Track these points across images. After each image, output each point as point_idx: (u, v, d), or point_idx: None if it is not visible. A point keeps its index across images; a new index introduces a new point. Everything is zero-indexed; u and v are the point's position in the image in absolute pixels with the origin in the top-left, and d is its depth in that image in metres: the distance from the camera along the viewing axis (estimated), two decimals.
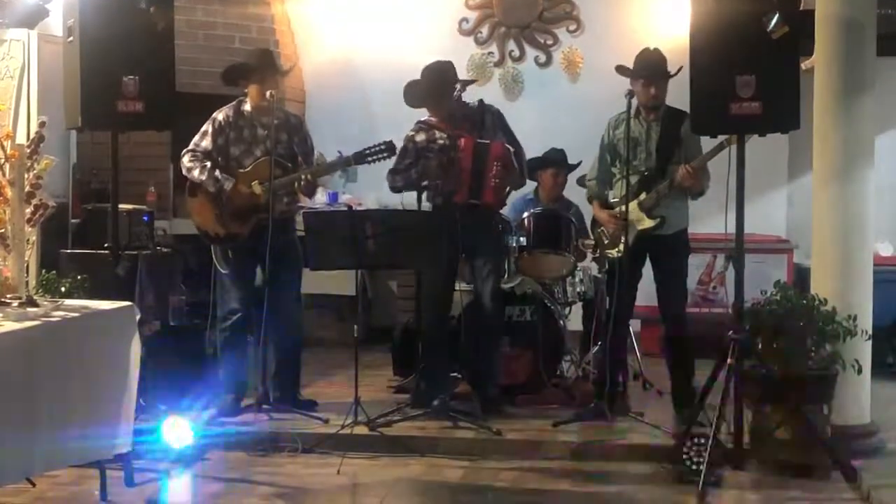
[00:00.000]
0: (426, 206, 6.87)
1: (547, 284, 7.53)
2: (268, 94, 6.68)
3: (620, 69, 6.81)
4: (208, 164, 6.77)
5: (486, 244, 6.93)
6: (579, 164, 7.75)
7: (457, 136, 6.76)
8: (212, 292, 6.89)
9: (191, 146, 6.86)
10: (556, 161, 7.87)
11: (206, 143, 6.83)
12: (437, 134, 6.89)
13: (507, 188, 6.99)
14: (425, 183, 6.82)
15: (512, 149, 6.84)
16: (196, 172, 6.77)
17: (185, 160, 6.83)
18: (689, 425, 5.89)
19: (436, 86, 6.85)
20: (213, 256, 6.85)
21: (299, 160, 6.84)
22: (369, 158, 6.76)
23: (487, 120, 6.94)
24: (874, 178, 6.40)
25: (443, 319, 6.95)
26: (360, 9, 10.02)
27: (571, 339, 7.57)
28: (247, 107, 6.86)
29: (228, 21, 9.48)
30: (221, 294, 6.87)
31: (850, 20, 6.26)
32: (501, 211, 7.26)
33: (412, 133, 6.99)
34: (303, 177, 6.68)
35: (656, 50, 6.85)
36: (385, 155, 6.74)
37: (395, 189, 7.03)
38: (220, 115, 6.87)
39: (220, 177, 6.74)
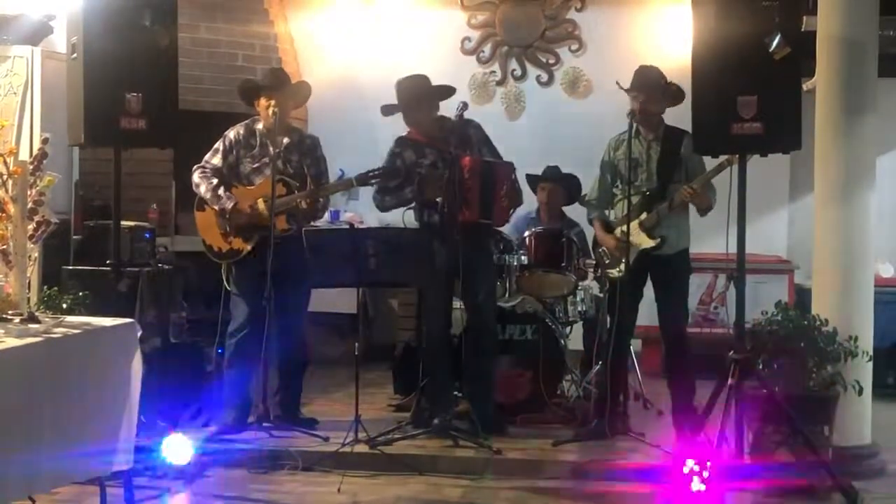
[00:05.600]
0: (414, 224, 6.87)
1: (548, 303, 7.53)
2: (271, 110, 6.72)
3: (619, 84, 6.84)
4: (214, 181, 6.81)
5: (482, 262, 6.90)
6: (574, 178, 7.78)
7: (456, 155, 6.73)
8: (221, 308, 6.89)
9: (202, 162, 6.92)
10: (550, 177, 7.87)
11: (217, 160, 6.89)
12: (427, 150, 6.88)
13: (513, 208, 6.98)
14: (414, 204, 6.83)
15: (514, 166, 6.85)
16: (202, 189, 6.83)
17: (195, 176, 6.88)
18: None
19: (407, 99, 6.87)
20: (223, 273, 6.87)
21: (308, 182, 6.83)
22: (372, 181, 6.77)
23: (471, 134, 6.92)
24: (875, 198, 6.42)
25: (443, 337, 6.93)
26: (363, 27, 10.05)
27: (572, 358, 7.56)
28: (259, 126, 6.89)
29: (232, 39, 9.51)
30: (231, 310, 6.88)
31: (852, 41, 6.29)
32: (502, 229, 7.27)
33: (398, 150, 6.93)
34: (300, 201, 6.68)
35: (653, 66, 6.88)
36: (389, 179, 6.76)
37: (385, 208, 6.96)
38: (231, 133, 6.92)
39: (222, 195, 6.77)
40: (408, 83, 6.94)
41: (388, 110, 6.99)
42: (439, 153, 6.78)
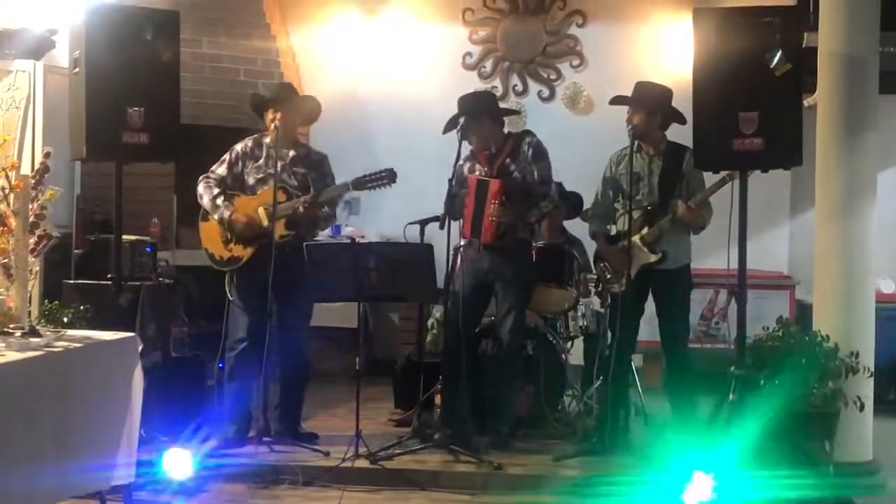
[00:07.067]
0: (428, 239, 6.88)
1: (549, 318, 7.53)
2: (272, 124, 6.74)
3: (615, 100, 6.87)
4: (216, 190, 6.85)
5: (509, 279, 6.90)
6: (576, 195, 7.80)
7: (460, 174, 6.80)
8: (225, 322, 6.88)
9: (207, 172, 6.94)
10: None
11: (221, 170, 6.92)
12: (477, 166, 6.93)
13: (507, 224, 6.82)
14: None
15: (512, 181, 6.82)
16: (205, 199, 6.86)
17: (199, 186, 6.92)
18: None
19: (463, 113, 6.88)
20: (226, 285, 6.87)
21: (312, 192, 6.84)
22: (369, 185, 6.77)
23: (524, 150, 6.94)
24: (876, 214, 6.42)
25: (460, 352, 6.87)
26: (365, 42, 10.07)
27: (573, 373, 7.55)
28: (267, 139, 6.92)
29: (234, 54, 9.54)
30: (231, 323, 6.87)
31: (853, 58, 6.30)
32: None
33: (461, 162, 6.96)
34: (299, 206, 6.68)
35: (651, 82, 6.89)
36: (385, 182, 6.75)
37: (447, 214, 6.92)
38: (239, 146, 6.97)
39: (220, 204, 6.78)
40: (470, 98, 7.00)
41: (447, 127, 6.95)
42: (485, 170, 6.89)
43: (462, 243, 6.92)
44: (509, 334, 6.90)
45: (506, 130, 7.13)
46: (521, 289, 6.99)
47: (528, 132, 7.16)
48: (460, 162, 6.96)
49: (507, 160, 6.90)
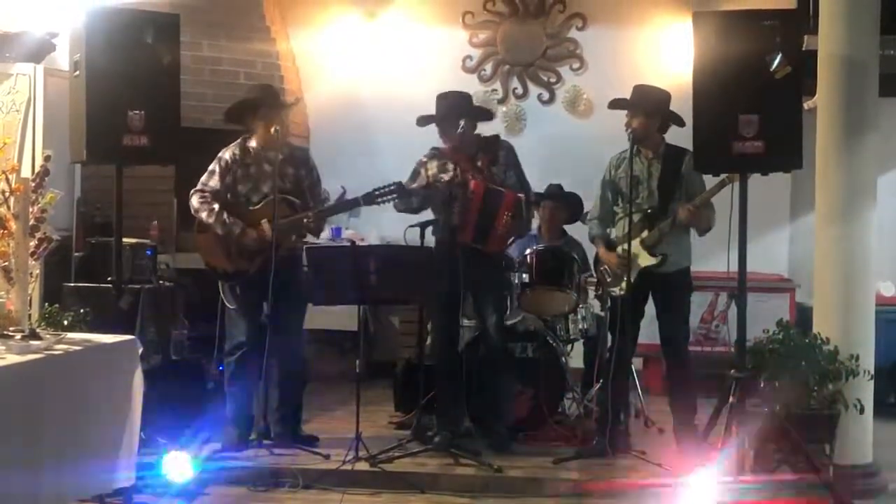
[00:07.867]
0: (428, 241, 6.88)
1: (549, 321, 7.53)
2: (272, 129, 6.71)
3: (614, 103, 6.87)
4: (216, 206, 6.77)
5: (489, 279, 6.92)
6: (576, 196, 7.81)
7: (467, 176, 6.79)
8: (218, 326, 6.87)
9: (199, 186, 6.86)
10: (552, 195, 7.89)
11: (214, 182, 6.84)
12: (450, 166, 6.91)
13: (515, 236, 7.01)
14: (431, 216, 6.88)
15: (523, 196, 6.84)
16: (204, 215, 6.78)
17: (194, 201, 6.83)
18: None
19: (444, 113, 6.90)
20: (221, 291, 6.84)
21: (307, 195, 6.84)
22: (379, 199, 6.76)
23: (501, 156, 6.95)
24: (876, 217, 6.42)
25: (452, 354, 6.90)
26: (365, 45, 10.07)
27: (573, 376, 7.56)
28: (252, 143, 6.88)
29: (234, 57, 9.53)
30: (229, 328, 6.86)
31: (853, 60, 6.31)
32: None
33: (425, 159, 6.99)
34: (305, 220, 6.68)
35: (649, 85, 6.89)
36: (395, 196, 6.75)
37: (398, 209, 6.99)
38: (226, 154, 6.89)
39: (227, 220, 6.73)
40: (449, 98, 6.99)
41: (423, 121, 7.00)
42: (461, 171, 6.84)
43: (435, 243, 6.91)
44: (497, 332, 6.92)
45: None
46: (500, 289, 7.08)
47: (497, 136, 7.17)
48: (423, 159, 6.98)
49: (490, 165, 6.90)
